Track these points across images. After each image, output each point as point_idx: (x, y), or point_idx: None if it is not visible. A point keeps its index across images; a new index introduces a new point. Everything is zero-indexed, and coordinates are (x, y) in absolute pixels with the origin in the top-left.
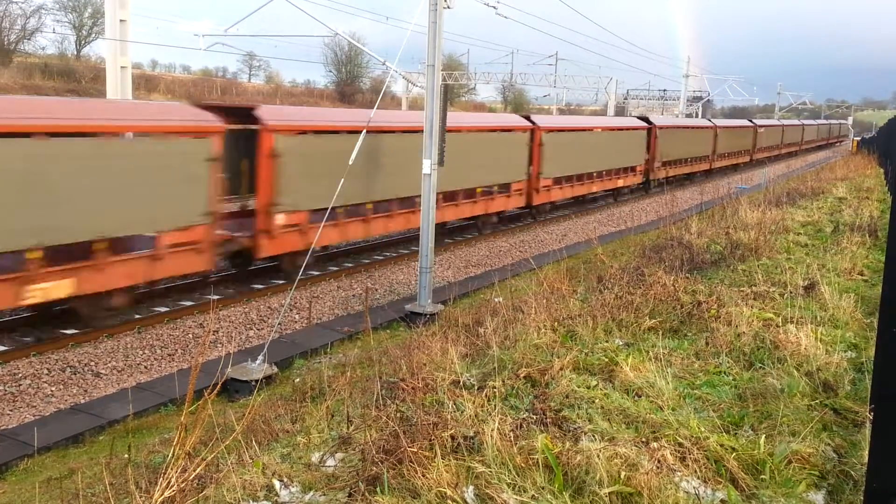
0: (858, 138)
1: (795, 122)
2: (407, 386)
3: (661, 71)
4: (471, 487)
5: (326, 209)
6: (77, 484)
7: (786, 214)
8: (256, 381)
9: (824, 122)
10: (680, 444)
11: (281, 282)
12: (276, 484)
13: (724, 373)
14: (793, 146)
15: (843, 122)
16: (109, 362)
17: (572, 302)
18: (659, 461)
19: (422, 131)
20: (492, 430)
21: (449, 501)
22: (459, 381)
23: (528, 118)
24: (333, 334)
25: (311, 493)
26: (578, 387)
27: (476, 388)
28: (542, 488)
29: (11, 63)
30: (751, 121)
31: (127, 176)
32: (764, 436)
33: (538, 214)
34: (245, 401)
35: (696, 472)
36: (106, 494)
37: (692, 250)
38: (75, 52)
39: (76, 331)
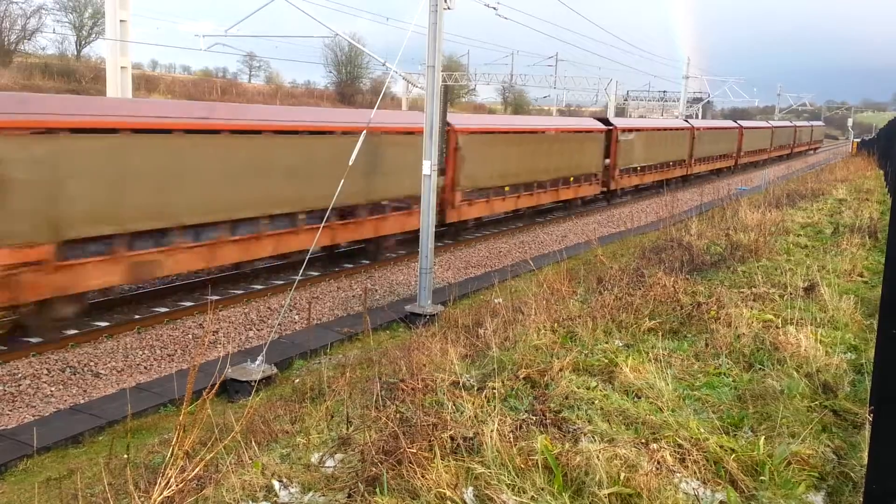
0: (858, 140)
1: (729, 123)
2: (406, 387)
3: (662, 72)
4: (470, 488)
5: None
6: (76, 484)
7: (785, 216)
8: (256, 381)
9: (786, 124)
10: (679, 446)
11: (280, 282)
12: (276, 484)
13: (724, 374)
14: (722, 160)
15: (816, 123)
16: (109, 363)
17: (572, 303)
18: (658, 462)
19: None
20: (491, 431)
21: (448, 502)
22: (459, 382)
23: (605, 121)
24: (333, 335)
25: (311, 493)
26: (578, 388)
27: (476, 388)
28: (542, 489)
29: (11, 63)
30: (605, 121)
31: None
32: (763, 437)
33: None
34: (244, 401)
35: (695, 473)
36: (105, 495)
37: (692, 251)
38: (75, 53)
39: (76, 331)
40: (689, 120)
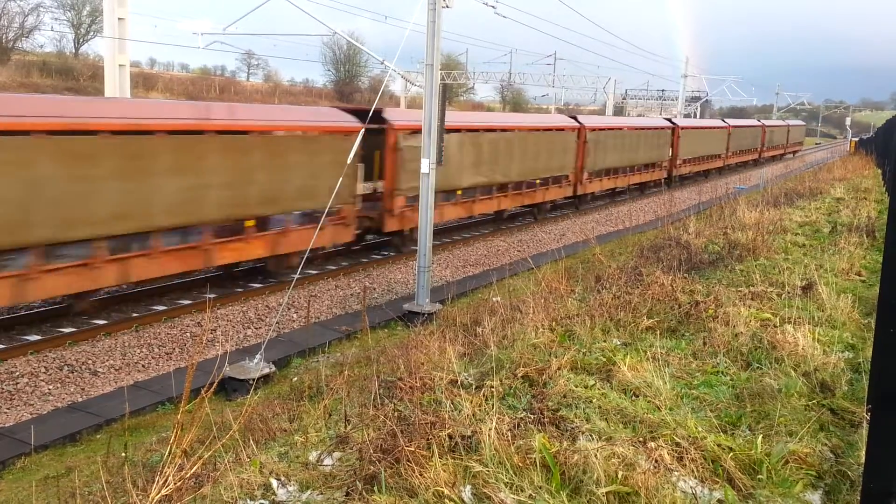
0: (856, 139)
1: (658, 121)
2: (405, 385)
3: (660, 71)
4: (468, 487)
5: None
6: (74, 482)
7: (783, 215)
8: (254, 379)
9: (752, 122)
10: (677, 444)
11: (278, 280)
12: (274, 483)
13: (722, 373)
14: (645, 172)
15: (794, 122)
16: (107, 361)
17: (570, 302)
18: (656, 461)
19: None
20: (489, 430)
21: (446, 501)
22: (457, 381)
23: (374, 114)
24: (331, 333)
25: (309, 491)
26: (576, 386)
27: (474, 387)
28: (540, 488)
29: (9, 61)
30: (376, 116)
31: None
32: (761, 436)
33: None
34: (242, 400)
35: (693, 471)
36: (103, 493)
37: (690, 250)
38: (73, 51)
39: (74, 329)
40: (578, 118)
